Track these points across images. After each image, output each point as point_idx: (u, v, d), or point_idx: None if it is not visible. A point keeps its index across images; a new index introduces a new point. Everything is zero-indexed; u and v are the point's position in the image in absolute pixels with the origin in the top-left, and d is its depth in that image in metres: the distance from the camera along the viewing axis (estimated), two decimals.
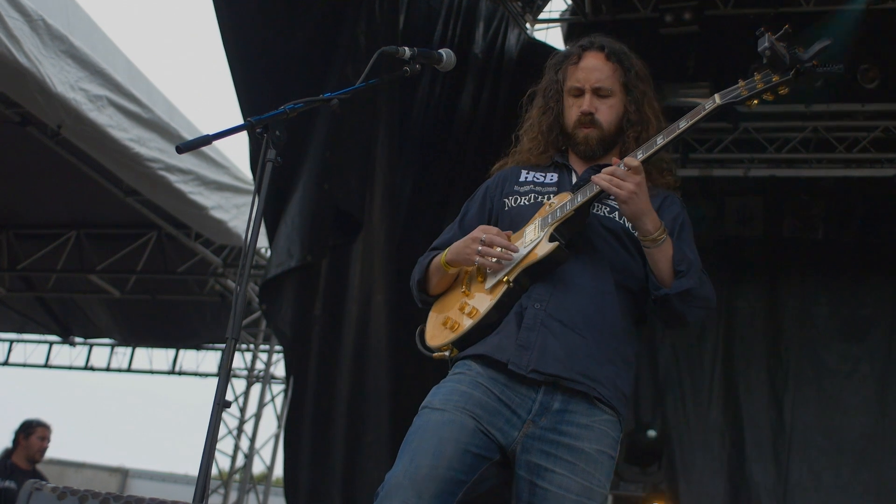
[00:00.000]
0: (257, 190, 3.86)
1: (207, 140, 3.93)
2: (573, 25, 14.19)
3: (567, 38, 14.33)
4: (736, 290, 14.33)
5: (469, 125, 12.37)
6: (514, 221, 4.43)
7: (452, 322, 4.35)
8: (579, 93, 4.52)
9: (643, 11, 13.16)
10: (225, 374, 3.65)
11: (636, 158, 4.08)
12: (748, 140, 13.89)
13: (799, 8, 12.28)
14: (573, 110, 4.53)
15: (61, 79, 9.91)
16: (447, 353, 4.31)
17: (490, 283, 4.30)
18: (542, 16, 14.57)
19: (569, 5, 14.21)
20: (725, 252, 13.86)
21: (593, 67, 4.55)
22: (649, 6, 13.10)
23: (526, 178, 4.60)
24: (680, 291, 4.11)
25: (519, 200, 4.51)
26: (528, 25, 14.12)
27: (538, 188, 4.51)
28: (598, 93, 4.50)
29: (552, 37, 14.72)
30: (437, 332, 4.42)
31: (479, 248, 4.21)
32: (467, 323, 4.28)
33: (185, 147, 3.90)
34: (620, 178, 3.99)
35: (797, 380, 14.26)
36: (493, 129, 12.48)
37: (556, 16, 14.63)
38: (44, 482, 4.57)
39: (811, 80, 3.86)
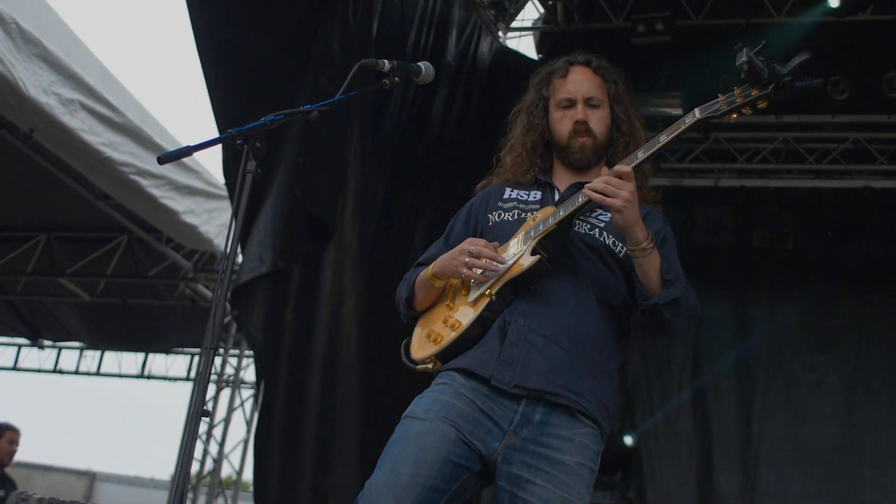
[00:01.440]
0: (237, 201, 3.84)
1: (188, 151, 3.92)
2: (545, 34, 14.26)
3: (539, 47, 14.39)
4: (705, 299, 14.07)
5: (441, 132, 12.41)
6: (498, 236, 4.44)
7: (436, 335, 4.36)
8: (570, 104, 4.57)
9: (615, 21, 13.21)
10: (202, 383, 3.64)
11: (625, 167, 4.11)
12: (719, 150, 13.97)
13: (771, 19, 12.34)
14: (564, 122, 4.58)
15: (34, 82, 9.89)
16: (430, 366, 4.33)
17: (473, 295, 4.32)
18: (514, 24, 14.60)
19: (541, 14, 14.27)
20: (695, 261, 13.83)
21: (582, 80, 4.63)
22: (622, 16, 13.16)
23: (510, 195, 4.64)
24: (668, 300, 4.13)
25: (503, 216, 4.54)
26: (500, 34, 14.16)
27: (521, 205, 4.55)
28: (589, 103, 4.57)
29: (524, 45, 14.77)
30: (422, 344, 4.43)
31: (466, 259, 4.23)
32: (450, 335, 4.29)
33: (166, 158, 3.88)
34: (615, 186, 4.01)
35: (765, 389, 14.31)
36: (466, 135, 12.52)
37: (528, 24, 14.68)
38: (31, 494, 4.58)
39: (789, 93, 3.87)
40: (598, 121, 4.56)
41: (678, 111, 12.37)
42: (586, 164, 4.56)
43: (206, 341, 3.67)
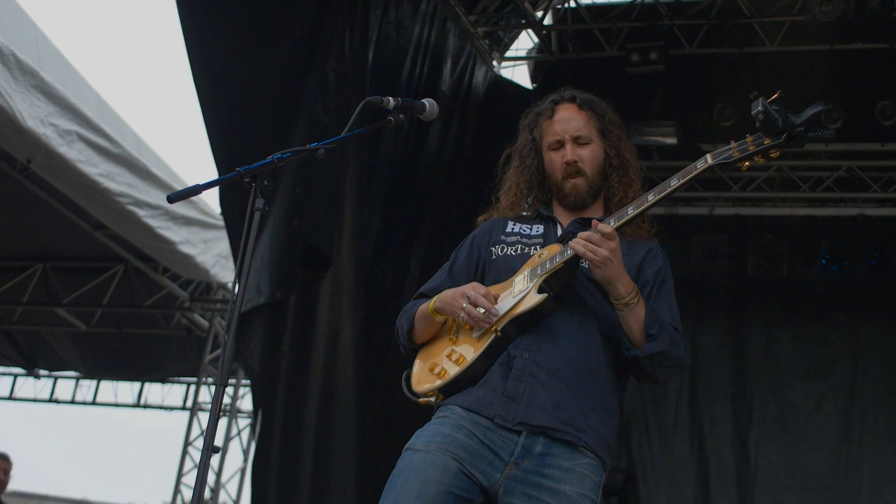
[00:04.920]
0: (245, 240, 3.82)
1: (197, 190, 3.93)
2: (540, 63, 14.31)
3: (534, 76, 14.45)
4: (701, 327, 14.38)
5: (436, 161, 12.44)
6: (502, 270, 4.45)
7: (440, 369, 4.35)
8: (559, 145, 4.55)
9: (609, 50, 13.28)
10: (213, 419, 3.64)
11: (610, 225, 4.12)
12: (713, 178, 13.99)
13: (763, 48, 12.42)
14: (556, 164, 4.55)
15: (31, 113, 9.92)
16: (433, 399, 4.31)
17: (478, 332, 4.30)
18: (508, 54, 14.69)
19: (535, 44, 14.31)
20: (690, 289, 13.92)
21: (569, 118, 4.59)
22: (616, 45, 13.22)
23: (512, 228, 4.62)
24: (650, 354, 4.14)
25: (506, 250, 4.53)
26: (494, 63, 14.23)
27: (525, 239, 4.53)
28: (577, 141, 4.53)
29: (518, 74, 14.85)
30: (424, 377, 4.42)
31: (465, 305, 4.23)
32: (454, 370, 4.28)
33: (175, 197, 3.87)
34: (596, 243, 4.02)
35: (761, 416, 14.31)
36: (461, 164, 12.56)
37: (522, 54, 14.75)
38: None
39: (802, 143, 3.87)
40: (589, 159, 4.53)
41: (672, 140, 12.41)
42: (581, 204, 4.54)
43: (214, 377, 3.69)
